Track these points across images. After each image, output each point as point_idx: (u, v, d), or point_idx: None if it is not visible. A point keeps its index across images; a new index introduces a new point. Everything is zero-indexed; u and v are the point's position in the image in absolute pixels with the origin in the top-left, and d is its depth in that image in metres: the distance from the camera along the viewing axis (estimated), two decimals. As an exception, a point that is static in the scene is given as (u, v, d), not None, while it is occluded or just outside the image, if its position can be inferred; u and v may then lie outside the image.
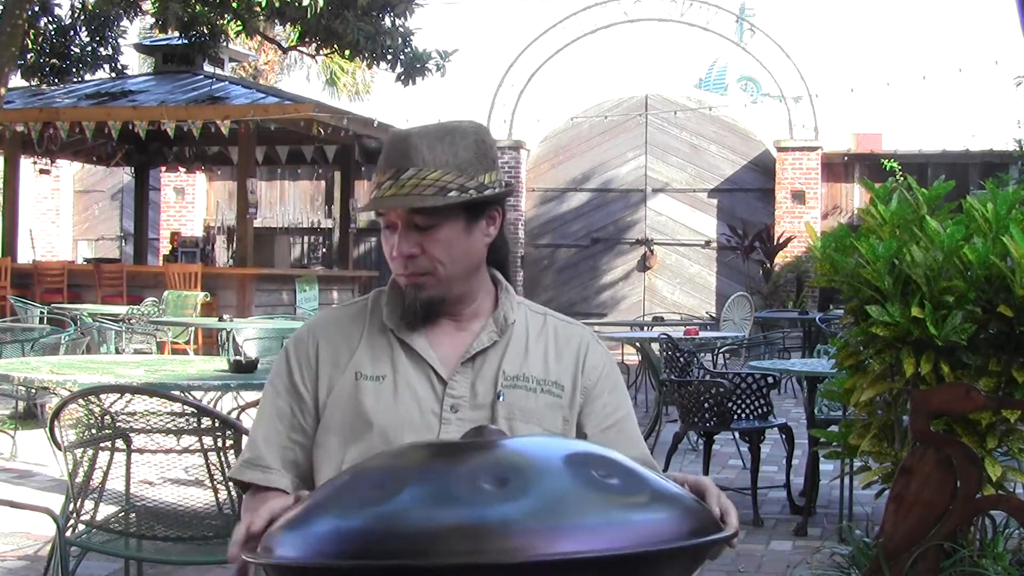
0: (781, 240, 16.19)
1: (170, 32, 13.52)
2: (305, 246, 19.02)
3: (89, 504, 3.20)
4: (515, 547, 1.12)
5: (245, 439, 3.11)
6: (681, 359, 6.65)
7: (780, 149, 16.79)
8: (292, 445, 1.84)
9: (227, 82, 14.55)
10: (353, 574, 1.17)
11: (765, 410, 6.01)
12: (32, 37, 13.25)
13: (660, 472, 1.87)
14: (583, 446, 1.37)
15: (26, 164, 15.87)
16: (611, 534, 1.15)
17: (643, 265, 17.52)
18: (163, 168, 17.98)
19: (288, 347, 1.91)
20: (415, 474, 1.23)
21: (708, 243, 17.33)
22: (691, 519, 1.24)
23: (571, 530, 1.14)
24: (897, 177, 14.34)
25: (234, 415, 4.28)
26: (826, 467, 5.98)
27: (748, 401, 5.97)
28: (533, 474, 1.21)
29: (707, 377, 6.53)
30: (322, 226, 18.95)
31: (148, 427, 3.18)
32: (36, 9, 12.83)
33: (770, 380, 6.09)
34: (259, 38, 15.72)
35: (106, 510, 3.27)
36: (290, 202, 19.24)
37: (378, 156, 1.87)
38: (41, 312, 10.71)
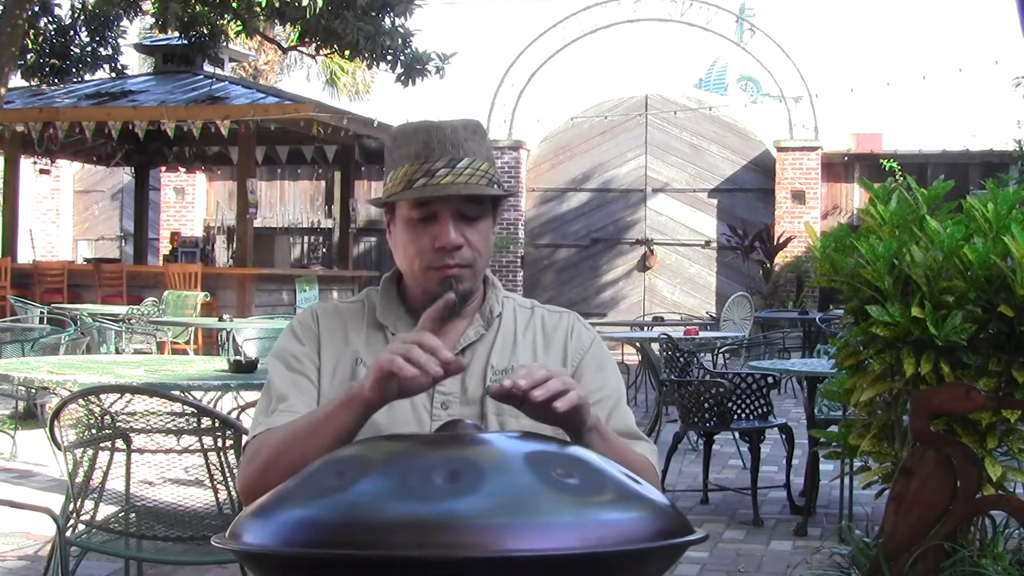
0: (781, 240, 16.19)
1: (170, 32, 13.52)
2: (305, 246, 19.01)
3: (89, 504, 3.20)
4: (462, 543, 1.12)
5: (245, 439, 3.13)
6: (681, 359, 6.65)
7: (780, 149, 16.78)
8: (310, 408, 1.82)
9: (227, 82, 14.55)
10: (307, 562, 1.18)
11: (765, 410, 6.01)
12: (32, 37, 13.24)
13: (651, 447, 1.85)
14: (550, 445, 1.36)
15: (26, 164, 15.87)
16: (563, 534, 1.14)
17: (643, 265, 17.52)
18: (163, 168, 17.98)
19: (294, 327, 1.89)
20: (376, 465, 1.24)
21: (708, 243, 17.33)
22: (656, 521, 1.22)
23: (522, 528, 1.14)
24: (897, 177, 14.34)
25: (234, 415, 4.28)
26: (826, 467, 5.98)
27: (748, 401, 5.97)
28: (489, 471, 1.21)
29: (707, 377, 6.53)
30: (322, 226, 18.94)
31: (148, 427, 3.18)
32: (36, 9, 12.83)
33: (770, 380, 6.08)
34: (259, 38, 15.73)
35: (106, 510, 3.27)
36: (290, 202, 19.23)
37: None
38: (41, 312, 10.71)
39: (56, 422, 3.19)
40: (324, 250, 18.95)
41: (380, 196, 1.85)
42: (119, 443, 3.15)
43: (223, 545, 1.28)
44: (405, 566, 1.12)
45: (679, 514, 1.27)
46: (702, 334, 9.48)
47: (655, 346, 8.45)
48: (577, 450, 1.36)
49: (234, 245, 15.81)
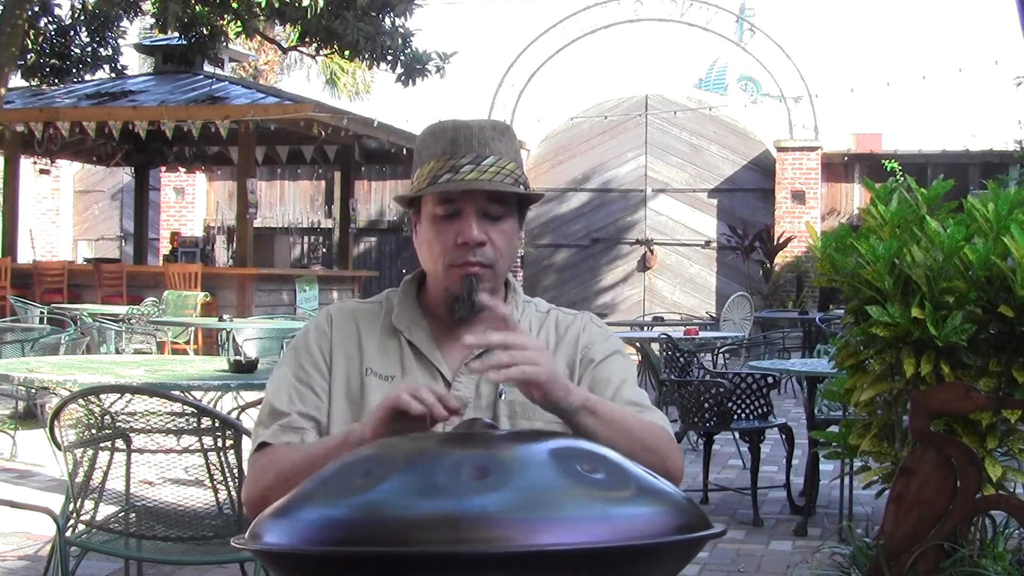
0: (781, 240, 16.20)
1: (170, 32, 13.52)
2: (305, 246, 19.02)
3: (89, 504, 3.20)
4: (493, 537, 1.12)
5: (246, 441, 3.13)
6: (681, 359, 6.65)
7: (780, 149, 16.79)
8: (314, 423, 1.82)
9: (227, 82, 14.55)
10: (334, 561, 1.18)
11: (765, 410, 6.01)
12: (32, 37, 13.24)
13: (661, 415, 1.82)
14: (572, 441, 1.37)
15: (26, 164, 15.87)
16: (591, 528, 1.15)
17: (643, 265, 17.52)
18: (163, 168, 17.97)
19: (309, 333, 1.88)
20: (400, 464, 1.24)
21: (708, 243, 17.33)
22: (677, 515, 1.24)
23: (551, 522, 1.15)
24: (897, 177, 14.33)
25: (234, 415, 4.28)
26: (826, 467, 5.98)
27: (748, 401, 5.97)
28: (516, 466, 1.22)
29: (707, 377, 6.53)
30: (322, 226, 18.95)
31: (148, 427, 3.17)
32: (36, 9, 12.83)
33: (770, 380, 6.08)
34: (259, 38, 15.72)
35: (106, 510, 3.27)
36: (290, 202, 19.23)
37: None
38: (41, 312, 10.72)
39: (56, 422, 3.19)
40: (324, 250, 18.95)
41: (404, 194, 1.84)
42: (119, 443, 3.15)
43: (243, 546, 1.28)
44: (439, 562, 1.13)
45: (698, 508, 1.29)
46: (702, 334, 9.48)
47: (655, 346, 8.45)
48: (597, 446, 1.37)
49: (234, 245, 15.81)
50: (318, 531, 1.19)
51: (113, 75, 14.38)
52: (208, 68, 15.02)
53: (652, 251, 17.47)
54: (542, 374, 1.58)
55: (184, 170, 17.82)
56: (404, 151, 14.19)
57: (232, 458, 3.15)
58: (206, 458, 3.21)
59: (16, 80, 13.33)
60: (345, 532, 1.17)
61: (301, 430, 1.80)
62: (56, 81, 13.92)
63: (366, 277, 16.04)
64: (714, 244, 17.29)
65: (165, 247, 17.44)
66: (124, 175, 19.39)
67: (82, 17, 13.65)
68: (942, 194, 3.86)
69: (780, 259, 16.35)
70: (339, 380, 1.83)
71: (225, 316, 9.64)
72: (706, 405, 5.94)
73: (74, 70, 13.86)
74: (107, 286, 13.69)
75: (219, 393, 5.67)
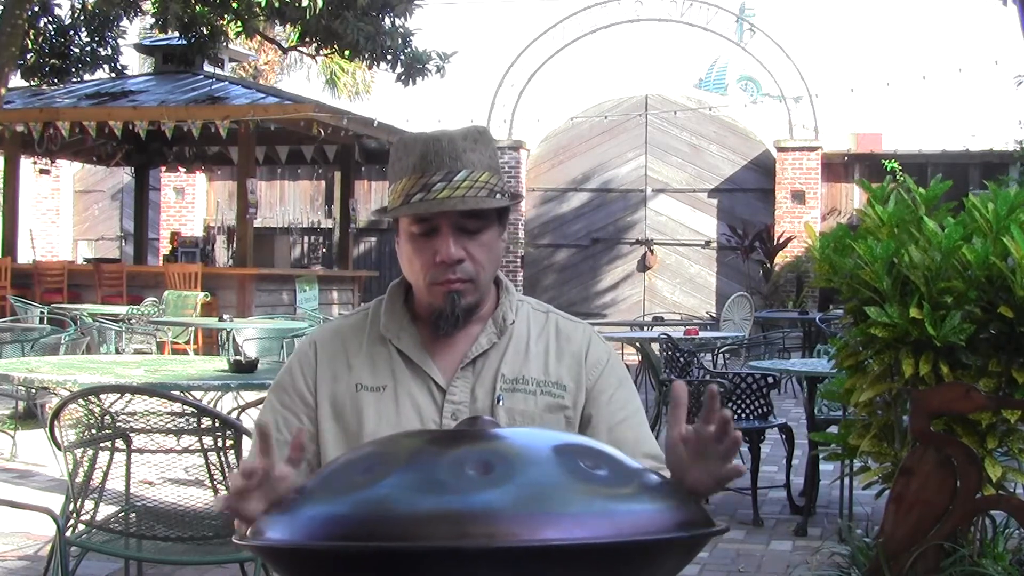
0: (781, 240, 16.19)
1: (170, 32, 13.52)
2: (305, 246, 19.01)
3: (89, 504, 3.21)
4: (497, 532, 1.12)
5: (246, 440, 3.13)
6: (681, 359, 6.65)
7: (780, 149, 16.78)
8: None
9: (227, 82, 14.54)
10: (338, 557, 1.17)
11: (765, 410, 6.01)
12: (32, 37, 13.25)
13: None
14: (573, 438, 1.37)
15: (26, 164, 15.86)
16: (595, 523, 1.16)
17: (643, 265, 17.52)
18: (163, 168, 17.97)
19: (291, 361, 1.89)
20: (403, 460, 1.24)
21: (708, 243, 17.33)
22: (680, 512, 1.24)
23: (555, 518, 1.15)
24: (898, 177, 14.32)
25: (234, 415, 4.28)
26: (826, 467, 5.98)
27: (748, 401, 5.97)
28: (520, 462, 1.22)
29: (707, 377, 6.53)
30: (322, 226, 18.94)
31: (148, 427, 3.18)
32: (36, 9, 12.83)
33: (770, 380, 6.08)
34: (259, 38, 15.72)
35: (106, 510, 3.27)
36: (290, 202, 19.23)
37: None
38: (41, 312, 10.72)
39: (56, 422, 3.20)
40: (324, 250, 18.95)
41: (384, 206, 1.83)
42: (119, 443, 3.15)
43: (245, 543, 1.27)
44: (443, 557, 1.12)
45: (700, 506, 1.29)
46: (702, 334, 9.48)
47: (655, 346, 8.45)
48: (596, 443, 1.37)
49: (234, 245, 15.80)
50: (320, 527, 1.19)
51: (113, 75, 14.37)
52: (208, 68, 15.01)
53: (652, 251, 17.46)
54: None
55: (184, 170, 17.82)
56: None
57: (232, 458, 3.15)
58: (206, 458, 3.21)
59: (16, 80, 13.32)
60: (348, 528, 1.17)
61: None
62: (56, 81, 13.92)
63: (366, 277, 16.03)
64: (714, 244, 17.29)
65: (165, 247, 17.44)
66: (124, 175, 19.39)
67: (82, 17, 13.65)
68: (940, 194, 3.86)
69: (780, 259, 16.35)
70: (325, 401, 1.83)
71: (225, 316, 9.64)
72: (706, 405, 5.93)
73: (74, 70, 13.86)
74: (107, 286, 13.68)
75: (219, 393, 5.67)
